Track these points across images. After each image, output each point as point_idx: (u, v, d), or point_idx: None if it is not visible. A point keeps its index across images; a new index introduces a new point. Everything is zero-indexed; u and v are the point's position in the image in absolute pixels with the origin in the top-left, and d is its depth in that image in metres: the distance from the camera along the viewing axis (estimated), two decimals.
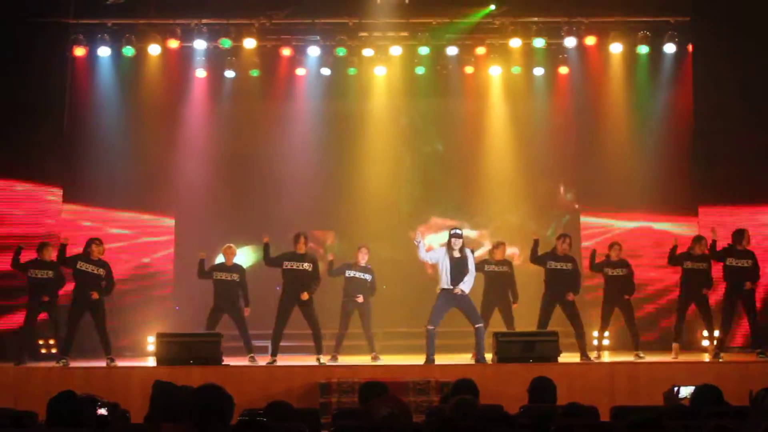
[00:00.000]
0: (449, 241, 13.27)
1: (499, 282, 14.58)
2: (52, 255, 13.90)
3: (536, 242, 14.19)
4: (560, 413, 7.06)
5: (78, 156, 16.51)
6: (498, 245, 14.83)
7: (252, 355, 13.87)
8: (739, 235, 13.98)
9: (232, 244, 14.37)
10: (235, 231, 16.64)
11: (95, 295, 13.52)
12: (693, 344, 15.04)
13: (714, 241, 13.93)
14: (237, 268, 14.25)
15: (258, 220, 16.99)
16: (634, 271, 14.38)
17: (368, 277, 14.57)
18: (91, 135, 16.66)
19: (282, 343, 13.84)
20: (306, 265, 13.76)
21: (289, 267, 13.77)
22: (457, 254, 13.18)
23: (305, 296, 13.65)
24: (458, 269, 13.15)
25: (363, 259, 14.58)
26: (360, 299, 14.41)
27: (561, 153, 17.64)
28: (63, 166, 16.24)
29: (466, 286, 13.20)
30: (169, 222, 17.14)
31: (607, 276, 14.29)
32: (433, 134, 18.14)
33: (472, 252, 13.67)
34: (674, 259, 14.18)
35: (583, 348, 13.75)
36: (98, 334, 13.64)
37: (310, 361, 13.65)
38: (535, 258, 14.21)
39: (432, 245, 15.45)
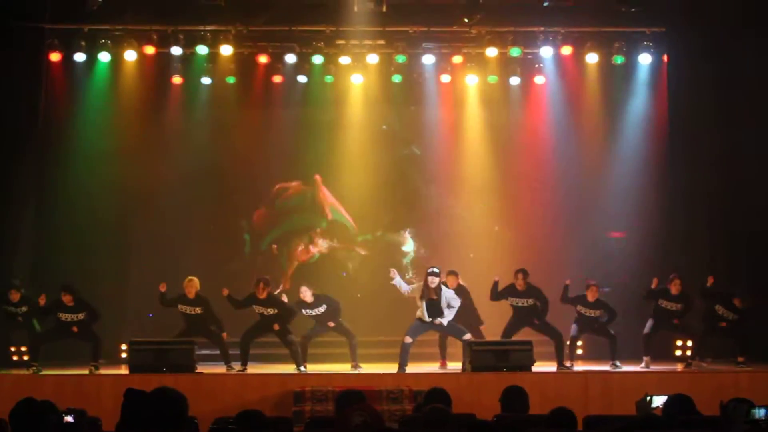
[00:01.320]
0: (426, 280, 13.36)
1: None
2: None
3: (495, 283, 14.12)
4: (545, 419, 7.04)
5: (52, 162, 16.42)
6: (449, 273, 14.72)
7: (230, 364, 13.78)
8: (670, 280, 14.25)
9: (193, 277, 14.08)
10: (212, 237, 16.65)
11: (75, 329, 13.68)
12: (666, 355, 15.06)
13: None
14: (200, 301, 14.05)
15: (234, 227, 17.00)
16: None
17: (321, 309, 14.46)
18: (66, 140, 16.56)
19: (256, 351, 13.80)
20: (270, 311, 13.87)
21: (259, 311, 13.92)
22: (434, 296, 13.36)
23: (276, 327, 13.76)
24: (434, 309, 13.40)
25: (306, 295, 14.42)
26: (331, 324, 14.39)
27: (537, 162, 17.63)
28: (37, 172, 16.15)
29: (445, 319, 13.43)
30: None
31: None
32: (409, 142, 18.08)
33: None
34: (650, 296, 14.39)
35: (559, 358, 13.77)
36: (89, 340, 13.71)
37: (283, 369, 13.59)
38: (495, 295, 14.20)
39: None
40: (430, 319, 13.35)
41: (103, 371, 13.68)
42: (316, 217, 17.76)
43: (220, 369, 13.64)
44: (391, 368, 13.32)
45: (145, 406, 5.32)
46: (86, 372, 13.21)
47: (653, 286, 14.30)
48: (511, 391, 7.85)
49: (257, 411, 7.43)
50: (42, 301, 13.74)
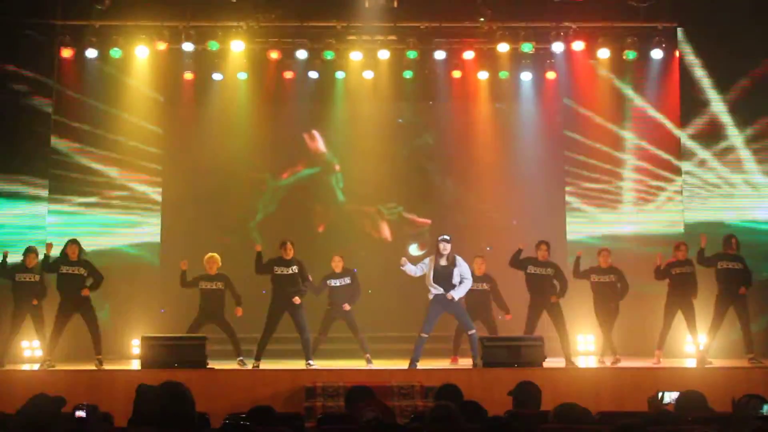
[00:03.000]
0: (437, 247, 13.33)
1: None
2: (35, 260, 13.99)
3: (519, 250, 14.17)
4: (555, 414, 7.05)
5: (64, 157, 16.48)
6: (477, 257, 14.82)
7: (241, 358, 13.82)
8: (728, 240, 14.13)
9: (214, 253, 14.30)
10: (223, 233, 16.68)
11: (86, 292, 13.62)
12: (676, 352, 15.01)
13: (702, 248, 14.04)
14: (221, 277, 14.21)
15: (246, 222, 17.04)
16: (625, 277, 14.42)
17: (346, 280, 14.53)
18: (78, 137, 16.62)
19: (268, 347, 13.81)
20: (294, 269, 13.78)
21: (279, 272, 13.80)
22: (443, 261, 13.29)
23: (297, 300, 13.67)
24: (443, 276, 13.27)
25: (337, 265, 14.56)
26: (347, 307, 14.38)
27: (548, 157, 17.60)
28: (49, 167, 16.22)
29: (457, 292, 13.27)
30: (156, 222, 17.07)
31: (593, 283, 14.38)
32: (422, 133, 18.08)
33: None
34: (661, 273, 14.29)
35: (567, 353, 13.77)
36: (90, 332, 13.65)
37: (295, 365, 13.60)
38: (516, 262, 14.21)
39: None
40: (442, 291, 13.26)
41: (115, 366, 13.73)
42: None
43: (231, 364, 13.65)
44: (402, 364, 13.31)
45: (155, 401, 5.33)
46: (99, 368, 13.25)
47: (702, 244, 14.16)
48: (523, 387, 7.85)
49: (269, 407, 7.45)
50: (48, 249, 13.81)
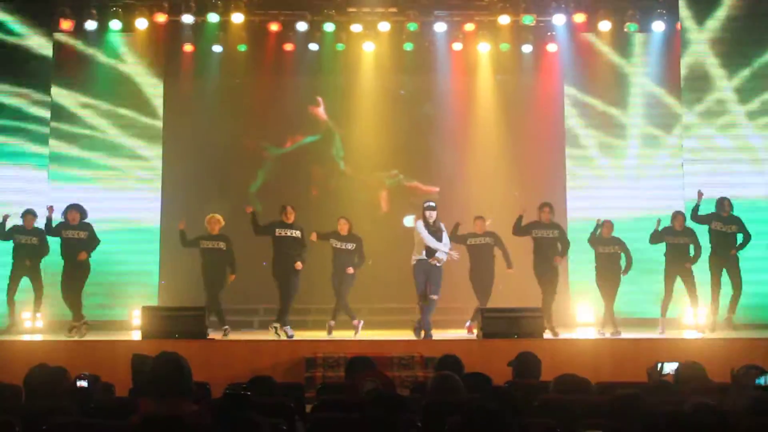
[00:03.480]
0: (423, 214, 13.34)
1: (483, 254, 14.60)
2: (33, 222, 14.30)
3: (520, 217, 14.20)
4: (555, 385, 7.09)
5: (64, 128, 16.49)
6: (476, 218, 14.81)
7: (226, 327, 13.84)
8: (721, 202, 14.28)
9: (216, 214, 14.32)
10: (223, 204, 16.67)
11: (83, 256, 13.76)
12: (675, 323, 15.05)
13: (697, 205, 14.15)
14: (223, 237, 14.26)
15: (244, 193, 17.05)
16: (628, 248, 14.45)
17: (350, 246, 14.50)
18: (77, 108, 16.61)
19: (266, 318, 13.84)
20: (296, 232, 13.82)
21: (281, 234, 13.80)
22: (430, 228, 13.36)
23: (299, 266, 13.67)
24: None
25: (343, 227, 14.51)
26: (350, 271, 14.37)
27: (547, 129, 17.56)
28: (49, 135, 16.27)
29: (442, 255, 13.34)
30: (154, 196, 17.04)
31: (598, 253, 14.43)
32: (422, 104, 18.03)
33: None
34: (655, 237, 14.35)
35: (548, 318, 13.76)
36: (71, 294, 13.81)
37: (295, 335, 13.61)
38: (519, 229, 14.22)
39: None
40: (427, 258, 13.32)
41: (116, 338, 13.77)
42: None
43: (234, 335, 13.71)
44: (402, 335, 13.36)
45: (149, 371, 5.35)
46: (100, 339, 13.30)
47: (698, 201, 14.26)
48: (523, 358, 7.89)
49: (269, 377, 7.50)
50: (50, 211, 13.91)
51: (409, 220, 13.55)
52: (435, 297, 13.44)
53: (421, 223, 13.48)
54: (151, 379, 5.28)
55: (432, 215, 13.38)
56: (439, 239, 13.38)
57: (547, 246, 14.14)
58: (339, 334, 14.00)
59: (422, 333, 13.23)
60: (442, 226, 13.55)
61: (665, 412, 5.38)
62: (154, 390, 5.22)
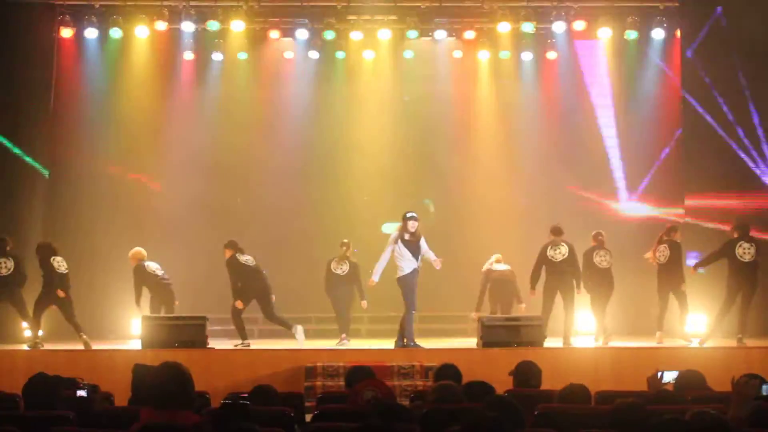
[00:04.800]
0: (405, 224, 13.25)
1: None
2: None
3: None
4: (560, 395, 7.07)
5: (65, 138, 16.47)
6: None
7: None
8: (745, 226, 13.76)
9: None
10: (221, 215, 16.68)
11: (61, 293, 13.52)
12: (675, 332, 15.00)
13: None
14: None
15: (244, 203, 17.02)
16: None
17: (344, 269, 14.61)
18: (78, 117, 16.62)
19: (266, 327, 13.84)
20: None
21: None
22: (411, 237, 13.22)
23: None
24: (414, 251, 13.24)
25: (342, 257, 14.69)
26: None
27: (548, 137, 17.54)
28: (50, 147, 16.24)
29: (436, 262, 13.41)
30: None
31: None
32: (421, 116, 17.97)
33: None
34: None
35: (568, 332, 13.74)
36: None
37: (295, 344, 13.59)
38: (536, 275, 13.98)
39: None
40: (416, 265, 13.25)
41: (115, 346, 13.74)
42: None
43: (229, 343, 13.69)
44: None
45: (151, 381, 5.33)
46: (101, 348, 13.27)
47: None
48: (523, 367, 7.87)
49: (269, 386, 7.48)
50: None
51: (388, 227, 13.45)
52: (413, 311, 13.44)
53: (397, 236, 13.36)
54: (154, 389, 5.26)
55: (413, 225, 13.26)
56: (418, 247, 13.26)
57: (560, 266, 13.85)
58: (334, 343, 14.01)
59: (404, 341, 13.17)
60: (423, 242, 13.35)
61: (666, 421, 5.37)
62: (156, 400, 5.20)
